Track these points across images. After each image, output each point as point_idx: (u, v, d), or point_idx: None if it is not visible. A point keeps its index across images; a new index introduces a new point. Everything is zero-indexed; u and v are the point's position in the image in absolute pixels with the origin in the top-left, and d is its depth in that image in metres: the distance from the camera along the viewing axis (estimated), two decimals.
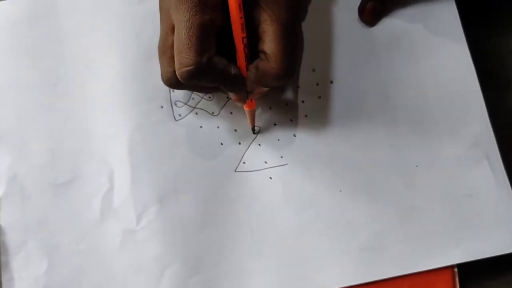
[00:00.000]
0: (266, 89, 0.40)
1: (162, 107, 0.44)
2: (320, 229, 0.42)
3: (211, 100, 0.44)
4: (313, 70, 0.44)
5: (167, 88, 0.44)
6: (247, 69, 0.39)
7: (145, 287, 0.41)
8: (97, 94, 0.45)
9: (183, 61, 0.36)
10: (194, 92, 0.44)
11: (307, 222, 0.42)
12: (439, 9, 0.44)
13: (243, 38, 0.38)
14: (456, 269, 0.41)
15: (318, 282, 0.41)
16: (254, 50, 0.39)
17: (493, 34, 0.47)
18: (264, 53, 0.38)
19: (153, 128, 0.44)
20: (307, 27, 0.44)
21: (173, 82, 0.39)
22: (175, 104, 0.44)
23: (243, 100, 0.40)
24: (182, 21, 0.36)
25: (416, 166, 0.42)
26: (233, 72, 0.38)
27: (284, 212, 0.42)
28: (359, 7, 0.45)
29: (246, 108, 0.42)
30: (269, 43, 0.38)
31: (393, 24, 0.45)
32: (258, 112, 0.44)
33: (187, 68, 0.36)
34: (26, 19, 0.46)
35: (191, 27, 0.36)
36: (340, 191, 0.42)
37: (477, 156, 0.42)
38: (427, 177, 0.42)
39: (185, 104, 0.44)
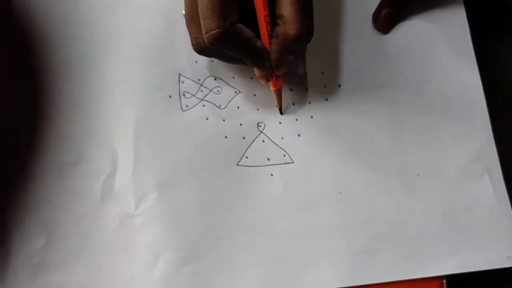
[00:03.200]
0: (291, 58, 0.41)
1: (170, 96, 0.44)
2: (316, 230, 0.42)
3: (219, 94, 0.44)
4: (322, 73, 0.45)
5: (176, 78, 0.45)
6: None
7: (139, 272, 0.41)
8: (107, 79, 0.45)
9: (208, 26, 0.37)
10: (214, 73, 0.45)
11: (304, 222, 0.42)
12: (450, 22, 0.45)
13: (265, 16, 0.39)
14: (444, 280, 0.41)
15: (309, 282, 0.41)
16: (274, 18, 0.40)
17: (500, 50, 0.47)
18: (282, 17, 0.39)
19: (160, 116, 0.44)
20: (319, 30, 0.44)
21: (200, 48, 0.40)
22: (183, 95, 0.45)
23: (267, 76, 0.41)
24: None
25: (418, 175, 0.42)
26: (258, 45, 0.40)
27: (282, 210, 0.42)
28: (373, 14, 0.45)
29: (272, 87, 0.42)
30: (286, 5, 0.38)
31: (404, 33, 0.45)
32: (263, 108, 0.44)
33: (212, 32, 0.37)
34: None
35: None
36: (340, 193, 0.42)
37: (479, 169, 0.42)
38: (427, 187, 0.42)
39: (193, 95, 0.44)
